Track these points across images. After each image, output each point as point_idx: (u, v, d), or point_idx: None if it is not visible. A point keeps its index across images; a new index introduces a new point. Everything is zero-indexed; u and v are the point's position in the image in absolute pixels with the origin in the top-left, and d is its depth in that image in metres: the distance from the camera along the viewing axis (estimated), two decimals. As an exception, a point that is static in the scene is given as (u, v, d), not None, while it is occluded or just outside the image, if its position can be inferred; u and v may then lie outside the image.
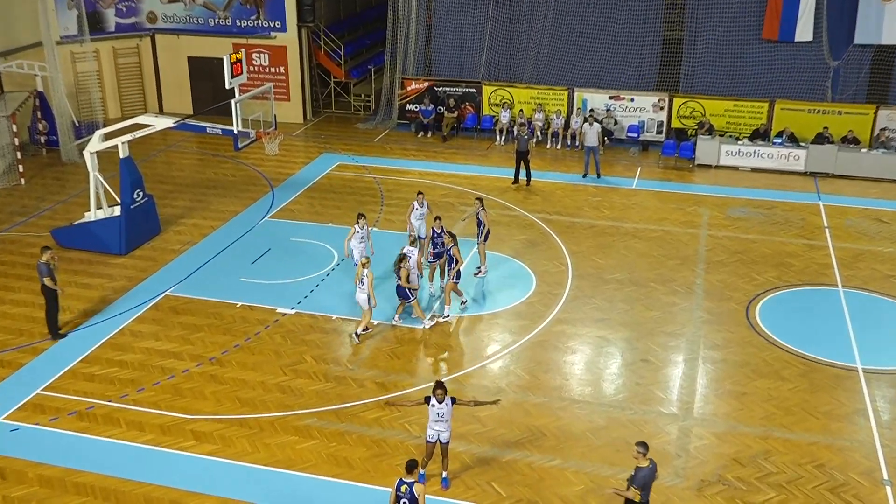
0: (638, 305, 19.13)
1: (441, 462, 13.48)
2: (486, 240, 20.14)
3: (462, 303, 18.79)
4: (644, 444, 11.65)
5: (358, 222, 19.33)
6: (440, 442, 13.27)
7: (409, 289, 17.78)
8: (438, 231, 19.06)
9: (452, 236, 18.59)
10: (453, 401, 13.09)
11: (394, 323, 18.17)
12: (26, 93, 28.53)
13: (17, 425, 14.98)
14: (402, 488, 11.42)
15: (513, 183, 26.29)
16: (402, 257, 17.89)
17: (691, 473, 13.84)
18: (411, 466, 11.46)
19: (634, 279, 20.34)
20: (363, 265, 17.35)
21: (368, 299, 17.36)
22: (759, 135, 28.25)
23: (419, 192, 20.96)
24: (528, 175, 26.21)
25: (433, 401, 12.99)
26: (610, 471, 13.85)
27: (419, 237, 20.22)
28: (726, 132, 29.20)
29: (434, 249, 19.18)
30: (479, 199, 20.30)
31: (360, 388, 16.08)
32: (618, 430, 14.92)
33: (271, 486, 13.53)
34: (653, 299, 19.40)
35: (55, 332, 17.73)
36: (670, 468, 13.91)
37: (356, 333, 17.59)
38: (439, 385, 13.01)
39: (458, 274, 18.45)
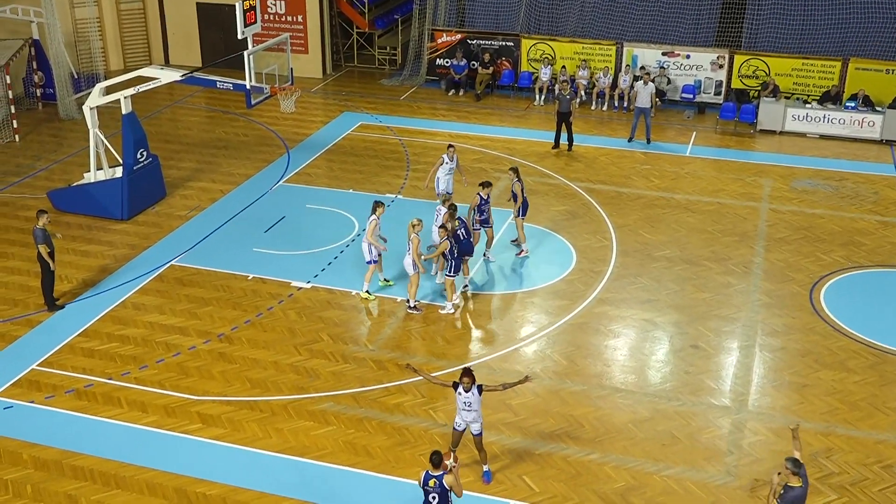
0: (689, 286, 19.10)
1: (479, 455, 13.60)
2: (523, 214, 20.03)
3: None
4: (795, 461, 11.29)
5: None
6: (472, 434, 13.38)
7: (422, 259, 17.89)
8: (486, 197, 19.28)
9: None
10: (480, 389, 13.15)
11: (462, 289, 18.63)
12: (21, 41, 28.77)
13: (10, 403, 15.30)
14: (431, 482, 11.58)
15: (553, 147, 26.23)
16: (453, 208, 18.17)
17: (744, 472, 13.88)
18: (437, 460, 11.57)
19: (686, 257, 20.28)
20: (413, 226, 17.54)
21: (413, 264, 17.51)
22: (830, 97, 27.91)
23: (450, 145, 21.04)
24: (570, 139, 26.14)
25: (460, 388, 13.07)
26: (654, 467, 13.93)
27: (447, 192, 20.38)
28: (793, 94, 28.90)
29: (481, 216, 19.42)
30: (514, 169, 20.02)
31: (381, 370, 16.24)
32: (663, 422, 14.97)
33: (283, 475, 13.75)
34: (706, 279, 19.35)
35: (51, 303, 18.03)
36: (721, 465, 13.96)
37: (409, 306, 17.91)
38: (466, 372, 13.04)
39: (456, 267, 17.92)
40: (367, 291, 18.46)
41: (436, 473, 11.58)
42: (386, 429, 14.73)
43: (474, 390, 13.04)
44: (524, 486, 13.55)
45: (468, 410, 13.16)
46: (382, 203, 18.47)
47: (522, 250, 20.23)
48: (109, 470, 13.77)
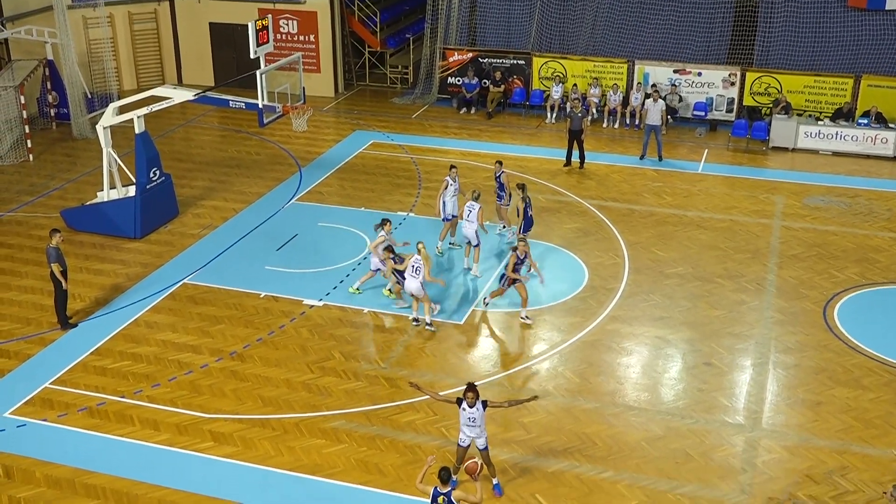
0: (702, 303, 19.07)
1: (488, 470, 13.60)
2: (525, 231, 20.43)
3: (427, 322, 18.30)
4: None
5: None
6: (478, 448, 13.42)
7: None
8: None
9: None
10: (485, 404, 13.21)
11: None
12: (35, 61, 29.06)
13: (23, 421, 15.37)
14: (440, 500, 11.63)
15: (565, 165, 26.28)
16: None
17: (758, 490, 13.82)
18: (445, 477, 11.62)
19: (698, 274, 20.26)
20: (419, 250, 17.81)
21: (423, 286, 17.70)
22: (843, 114, 27.90)
23: (452, 166, 21.15)
24: (582, 156, 26.19)
25: (464, 404, 13.16)
26: (667, 485, 13.88)
27: (452, 215, 20.74)
28: (805, 111, 28.89)
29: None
30: (521, 185, 20.79)
31: (393, 388, 16.25)
32: (677, 440, 14.93)
33: (295, 493, 13.75)
34: (718, 297, 19.32)
35: (65, 321, 18.13)
36: (735, 484, 13.90)
37: (427, 323, 18.09)
38: (471, 387, 13.16)
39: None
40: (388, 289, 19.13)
41: (444, 490, 11.63)
42: (398, 447, 14.73)
43: (479, 405, 13.12)
44: (537, 505, 13.54)
45: (472, 426, 13.23)
46: (388, 220, 18.72)
47: (505, 228, 21.74)
48: (122, 488, 13.80)
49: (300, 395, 16.07)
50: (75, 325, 18.21)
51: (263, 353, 17.33)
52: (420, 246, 17.85)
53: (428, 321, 17.99)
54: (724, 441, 14.92)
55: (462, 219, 20.07)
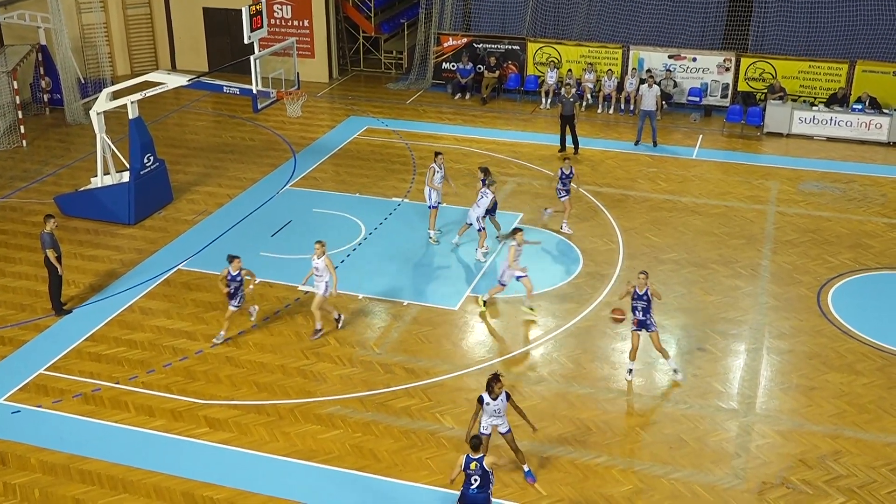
0: (696, 289, 19.09)
1: (516, 457, 13.64)
2: (488, 214, 20.30)
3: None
4: None
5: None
6: (501, 434, 13.43)
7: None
8: (567, 172, 21.05)
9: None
10: (508, 395, 13.17)
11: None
12: (28, 46, 28.90)
13: (18, 407, 15.35)
14: (472, 465, 11.99)
15: (560, 151, 26.25)
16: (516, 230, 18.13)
17: (752, 475, 13.86)
18: (476, 443, 12.02)
19: (693, 260, 20.27)
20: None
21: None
22: (837, 100, 27.88)
23: (438, 154, 20.96)
24: (576, 142, 26.18)
25: (487, 398, 13.04)
26: (661, 470, 13.91)
27: (433, 206, 20.61)
28: (800, 97, 28.86)
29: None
30: (484, 169, 20.43)
31: (388, 374, 16.26)
32: (671, 425, 14.96)
33: (290, 478, 13.77)
34: (713, 282, 19.34)
35: (59, 307, 18.10)
36: (728, 469, 13.95)
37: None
38: (497, 378, 13.00)
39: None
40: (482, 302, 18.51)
41: (476, 456, 11.98)
42: (393, 432, 14.75)
43: (503, 396, 13.10)
44: (532, 490, 13.55)
45: (496, 416, 13.22)
46: (520, 230, 18.22)
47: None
48: (117, 474, 13.81)
49: (295, 380, 16.07)
50: (69, 311, 18.18)
51: (258, 339, 17.31)
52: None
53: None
54: (717, 426, 14.95)
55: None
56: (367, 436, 14.67)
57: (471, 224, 20.05)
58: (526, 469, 13.72)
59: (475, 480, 12.08)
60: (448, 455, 14.16)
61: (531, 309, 18.10)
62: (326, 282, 16.90)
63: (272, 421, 15.02)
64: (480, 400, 13.12)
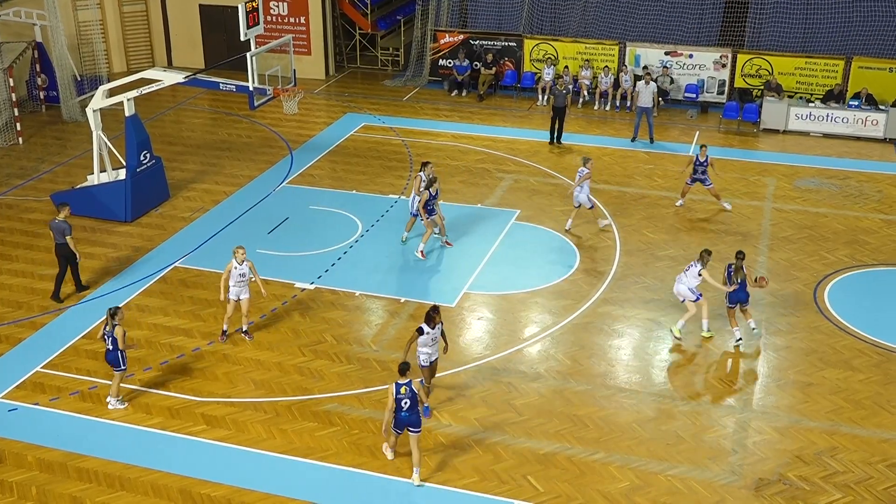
0: (693, 285, 19.10)
1: (428, 384, 14.90)
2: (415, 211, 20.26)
3: None
4: None
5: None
6: (431, 364, 14.83)
7: None
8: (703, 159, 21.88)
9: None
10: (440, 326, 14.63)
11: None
12: (24, 44, 28.84)
13: (15, 405, 15.33)
14: (402, 390, 13.13)
15: (549, 143, 26.41)
16: None
17: (748, 471, 13.87)
18: (404, 368, 13.18)
19: (690, 256, 20.22)
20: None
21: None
22: (834, 96, 27.89)
23: (426, 163, 20.25)
24: (560, 132, 26.54)
25: (426, 328, 14.36)
26: (658, 466, 13.92)
27: (414, 213, 20.37)
28: (796, 93, 28.87)
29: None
30: (425, 163, 20.28)
31: (385, 370, 16.24)
32: (668, 421, 14.97)
33: (288, 476, 13.76)
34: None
35: (56, 295, 18.37)
36: (725, 465, 13.96)
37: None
38: (437, 310, 14.49)
39: None
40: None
41: (404, 381, 13.13)
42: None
43: (439, 325, 14.54)
44: (529, 486, 13.55)
45: (433, 345, 14.63)
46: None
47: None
48: (114, 472, 13.79)
49: (292, 378, 16.06)
50: (62, 301, 18.37)
51: (255, 336, 17.29)
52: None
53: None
54: (714, 422, 14.96)
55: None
56: (365, 433, 14.66)
57: (583, 206, 20.87)
58: (426, 405, 14.72)
59: (405, 404, 13.17)
60: (445, 451, 14.17)
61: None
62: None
63: (269, 418, 15.01)
64: (420, 330, 14.34)
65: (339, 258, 20.09)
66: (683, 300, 17.10)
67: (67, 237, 18.11)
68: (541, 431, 14.68)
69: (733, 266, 16.81)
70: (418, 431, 13.37)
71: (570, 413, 15.16)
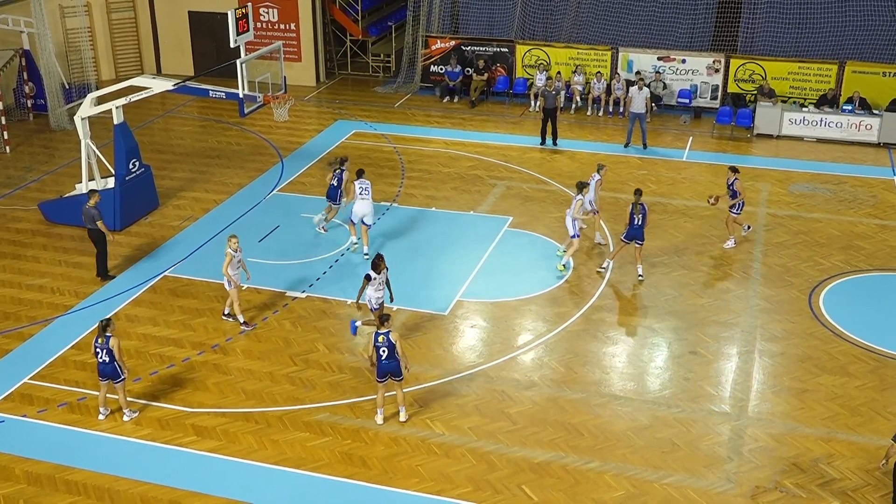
0: (687, 291, 19.10)
1: (374, 315, 16.36)
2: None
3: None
4: None
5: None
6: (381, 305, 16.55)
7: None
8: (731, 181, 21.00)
9: None
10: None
11: None
12: (11, 52, 28.79)
13: (2, 417, 15.26)
14: (380, 339, 14.31)
15: (540, 144, 26.53)
16: None
17: (745, 479, 13.86)
18: (385, 319, 14.44)
19: (683, 262, 20.29)
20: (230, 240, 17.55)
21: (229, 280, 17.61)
22: (827, 101, 27.97)
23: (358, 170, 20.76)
24: (555, 134, 26.71)
25: (374, 275, 16.22)
26: (654, 475, 13.90)
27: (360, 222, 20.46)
28: (790, 98, 28.96)
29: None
30: (340, 159, 21.22)
31: (378, 380, 16.20)
32: (663, 429, 14.96)
33: (279, 487, 13.71)
34: (704, 285, 19.36)
35: (105, 273, 19.56)
36: (721, 473, 13.94)
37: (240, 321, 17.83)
38: (381, 258, 16.37)
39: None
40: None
41: (384, 331, 14.30)
42: (383, 439, 14.70)
43: (384, 271, 16.43)
44: (523, 496, 13.52)
45: (380, 289, 16.45)
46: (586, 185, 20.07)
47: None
48: (103, 484, 13.73)
49: (284, 387, 16.01)
50: (114, 277, 19.61)
51: (246, 345, 17.25)
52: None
53: (241, 319, 17.83)
54: (710, 430, 14.96)
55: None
56: (357, 443, 14.62)
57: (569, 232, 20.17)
58: (358, 323, 17.09)
59: (384, 352, 14.33)
60: (439, 461, 14.13)
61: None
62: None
63: (260, 429, 14.96)
64: (368, 277, 16.22)
65: (331, 266, 20.06)
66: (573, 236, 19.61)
67: (98, 222, 19.02)
68: (535, 440, 14.66)
69: (633, 205, 19.04)
70: (400, 379, 14.63)
71: (564, 421, 15.14)
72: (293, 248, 20.90)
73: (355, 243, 20.68)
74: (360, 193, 20.12)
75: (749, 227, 21.45)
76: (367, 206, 20.10)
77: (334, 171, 21.00)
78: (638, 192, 19.43)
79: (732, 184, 20.58)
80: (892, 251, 20.72)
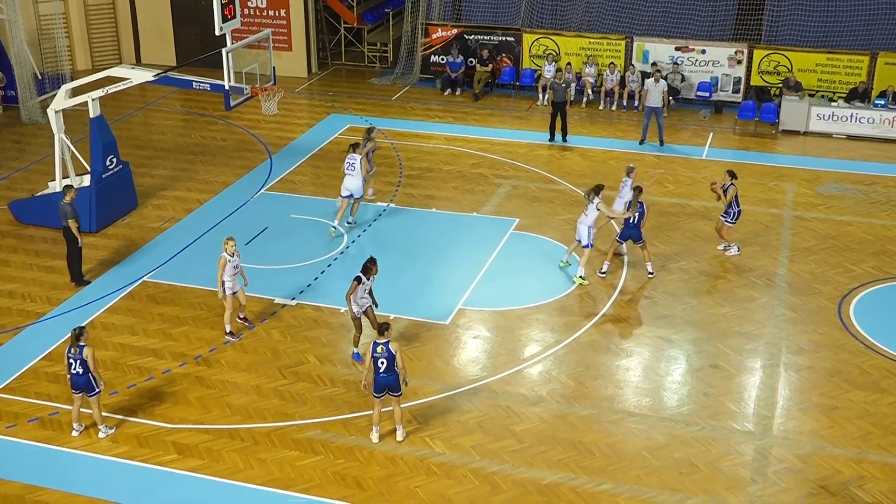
0: (707, 300, 19.10)
1: (357, 332, 16.75)
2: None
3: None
4: None
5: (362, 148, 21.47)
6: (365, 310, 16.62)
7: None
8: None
9: None
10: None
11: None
12: (-21, 39, 28.87)
13: (-32, 433, 15.26)
14: (379, 349, 14.27)
15: (549, 140, 26.56)
16: None
17: (769, 502, 13.85)
18: (384, 328, 14.40)
19: (703, 269, 20.29)
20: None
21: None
22: (858, 95, 28.01)
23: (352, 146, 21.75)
24: (565, 129, 26.75)
25: (364, 279, 16.25)
26: (671, 498, 13.88)
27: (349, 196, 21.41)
28: (818, 92, 28.99)
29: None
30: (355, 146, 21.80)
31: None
32: (681, 449, 14.94)
33: (267, 510, 13.71)
34: (726, 293, 19.36)
35: (79, 277, 19.47)
36: (744, 496, 13.92)
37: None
38: (374, 261, 16.37)
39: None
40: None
41: (382, 341, 14.27)
42: (378, 458, 14.69)
43: (373, 277, 16.46)
44: (530, 520, 13.53)
45: (366, 297, 16.54)
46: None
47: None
48: (77, 506, 13.74)
49: (272, 402, 16.01)
50: (89, 283, 19.47)
51: (231, 357, 17.25)
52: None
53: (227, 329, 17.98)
54: (731, 450, 14.94)
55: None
56: (351, 462, 14.61)
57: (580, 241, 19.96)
58: (356, 351, 16.88)
59: (382, 364, 14.28)
60: (439, 482, 14.11)
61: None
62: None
63: (246, 446, 14.95)
64: (359, 279, 16.22)
65: (323, 271, 20.07)
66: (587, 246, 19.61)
67: (70, 220, 18.93)
68: (543, 460, 14.65)
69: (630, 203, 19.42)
70: (399, 394, 14.59)
71: (574, 440, 15.12)
72: (282, 251, 20.90)
73: (334, 228, 21.40)
74: (347, 169, 21.24)
75: (738, 250, 20.74)
76: (353, 182, 21.23)
77: (364, 144, 22.06)
78: (637, 190, 19.58)
79: (727, 189, 20.35)
80: (928, 257, 20.74)
